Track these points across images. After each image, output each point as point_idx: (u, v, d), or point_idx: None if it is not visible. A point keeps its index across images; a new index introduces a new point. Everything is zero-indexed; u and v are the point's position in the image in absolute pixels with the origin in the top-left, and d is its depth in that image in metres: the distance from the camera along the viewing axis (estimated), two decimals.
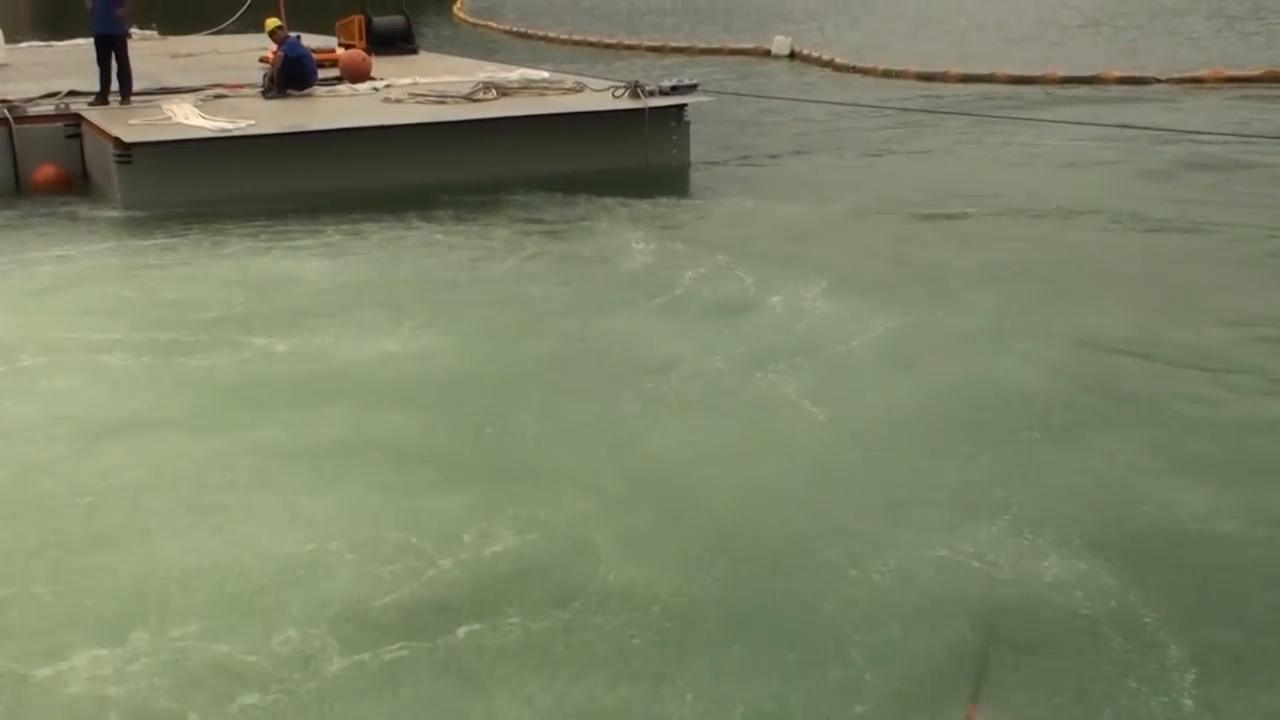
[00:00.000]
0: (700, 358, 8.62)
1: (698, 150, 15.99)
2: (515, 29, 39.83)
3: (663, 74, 17.68)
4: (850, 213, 13.59)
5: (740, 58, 29.99)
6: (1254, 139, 16.10)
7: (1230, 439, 7.27)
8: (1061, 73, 23.48)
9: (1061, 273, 10.96)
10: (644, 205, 13.76)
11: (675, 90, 15.41)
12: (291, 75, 16.50)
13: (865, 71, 25.81)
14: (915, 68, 25.05)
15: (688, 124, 15.63)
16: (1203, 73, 23.01)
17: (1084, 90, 22.20)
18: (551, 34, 37.04)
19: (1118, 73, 23.22)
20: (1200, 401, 7.86)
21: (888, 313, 9.60)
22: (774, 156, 16.73)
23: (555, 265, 11.51)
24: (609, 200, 13.83)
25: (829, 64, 27.35)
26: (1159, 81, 22.64)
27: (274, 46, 16.95)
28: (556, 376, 8.42)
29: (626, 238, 12.34)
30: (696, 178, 15.48)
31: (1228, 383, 8.18)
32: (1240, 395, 7.98)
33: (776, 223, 13.09)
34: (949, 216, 13.28)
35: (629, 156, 15.14)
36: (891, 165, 16.24)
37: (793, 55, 29.21)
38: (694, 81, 15.90)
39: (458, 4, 51.89)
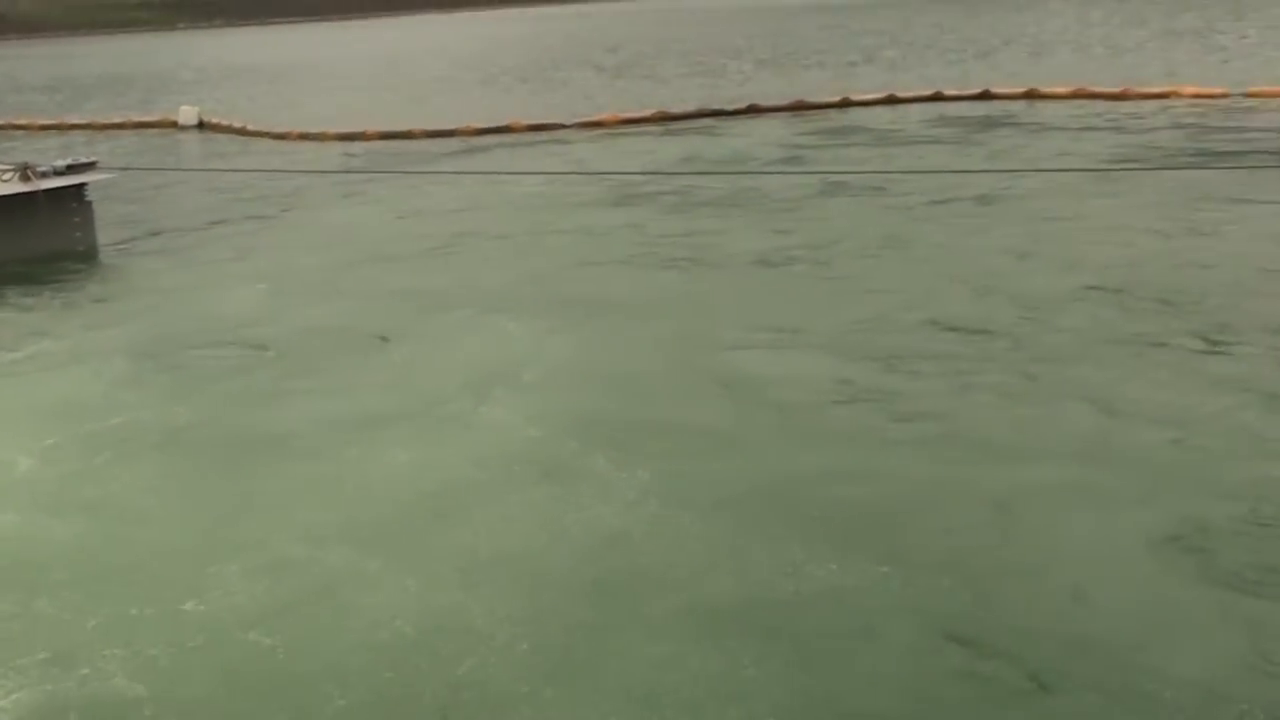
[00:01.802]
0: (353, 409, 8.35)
1: (114, 229, 14.77)
2: None
3: (58, 153, 16.23)
4: (332, 259, 13.28)
5: (147, 131, 28.47)
6: (671, 170, 17.22)
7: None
8: (477, 124, 24.06)
9: (601, 287, 11.39)
10: (80, 284, 12.66)
11: (71, 169, 14.10)
12: None
13: (281, 136, 25.21)
14: (334, 129, 24.78)
15: (90, 203, 14.33)
16: (603, 117, 24.43)
17: (502, 138, 22.89)
18: None
19: (528, 121, 24.14)
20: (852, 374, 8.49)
21: (470, 335, 9.82)
22: (206, 225, 15.76)
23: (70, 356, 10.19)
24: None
25: (241, 131, 26.53)
26: (565, 127, 23.76)
27: None
28: (171, 457, 7.66)
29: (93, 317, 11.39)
30: (127, 253, 14.28)
31: (854, 361, 8.84)
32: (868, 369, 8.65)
33: (265, 275, 12.64)
34: (434, 252, 13.39)
35: (26, 243, 13.63)
36: (342, 218, 15.91)
37: (201, 125, 28.12)
38: (92, 159, 14.66)
39: None
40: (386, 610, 5.53)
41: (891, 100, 24.84)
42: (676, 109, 25.18)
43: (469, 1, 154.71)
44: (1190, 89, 22.76)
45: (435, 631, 5.36)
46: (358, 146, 23.09)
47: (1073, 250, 11.52)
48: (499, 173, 17.81)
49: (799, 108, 24.76)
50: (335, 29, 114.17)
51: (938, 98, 24.85)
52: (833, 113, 24.03)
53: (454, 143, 22.75)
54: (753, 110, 24.66)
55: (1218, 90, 22.28)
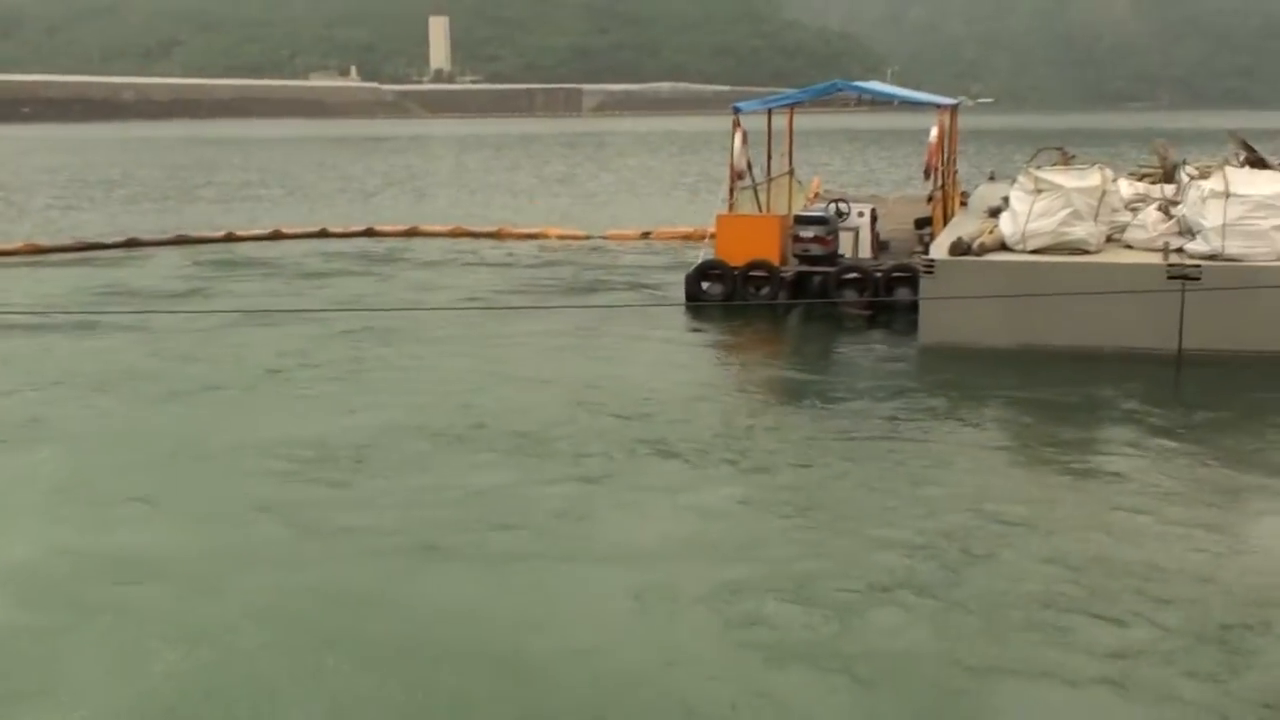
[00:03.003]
0: None
1: None
2: None
3: None
4: None
5: None
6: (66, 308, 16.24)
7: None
8: None
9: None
10: None
11: None
12: None
13: None
14: None
15: None
16: None
17: None
18: None
19: None
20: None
21: None
22: None
23: None
24: None
25: None
26: None
27: None
28: None
29: None
30: None
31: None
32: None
33: None
34: None
35: None
36: None
37: None
38: None
39: None
40: None
41: (278, 235, 24.99)
42: (48, 241, 23.80)
43: None
44: (556, 230, 24.91)
45: None
46: None
47: (530, 370, 12.34)
48: None
49: (182, 241, 24.22)
50: None
51: (323, 234, 25.30)
52: (218, 246, 23.72)
53: None
54: (133, 243, 23.81)
55: (580, 233, 24.53)
